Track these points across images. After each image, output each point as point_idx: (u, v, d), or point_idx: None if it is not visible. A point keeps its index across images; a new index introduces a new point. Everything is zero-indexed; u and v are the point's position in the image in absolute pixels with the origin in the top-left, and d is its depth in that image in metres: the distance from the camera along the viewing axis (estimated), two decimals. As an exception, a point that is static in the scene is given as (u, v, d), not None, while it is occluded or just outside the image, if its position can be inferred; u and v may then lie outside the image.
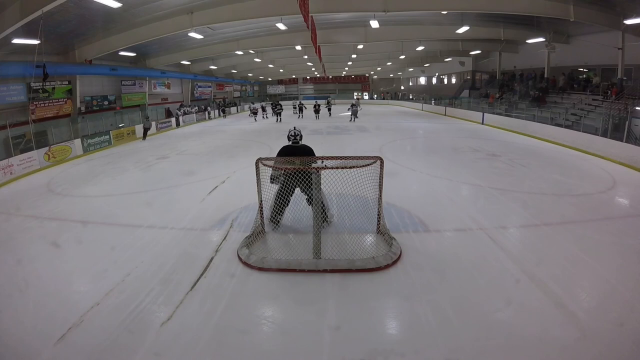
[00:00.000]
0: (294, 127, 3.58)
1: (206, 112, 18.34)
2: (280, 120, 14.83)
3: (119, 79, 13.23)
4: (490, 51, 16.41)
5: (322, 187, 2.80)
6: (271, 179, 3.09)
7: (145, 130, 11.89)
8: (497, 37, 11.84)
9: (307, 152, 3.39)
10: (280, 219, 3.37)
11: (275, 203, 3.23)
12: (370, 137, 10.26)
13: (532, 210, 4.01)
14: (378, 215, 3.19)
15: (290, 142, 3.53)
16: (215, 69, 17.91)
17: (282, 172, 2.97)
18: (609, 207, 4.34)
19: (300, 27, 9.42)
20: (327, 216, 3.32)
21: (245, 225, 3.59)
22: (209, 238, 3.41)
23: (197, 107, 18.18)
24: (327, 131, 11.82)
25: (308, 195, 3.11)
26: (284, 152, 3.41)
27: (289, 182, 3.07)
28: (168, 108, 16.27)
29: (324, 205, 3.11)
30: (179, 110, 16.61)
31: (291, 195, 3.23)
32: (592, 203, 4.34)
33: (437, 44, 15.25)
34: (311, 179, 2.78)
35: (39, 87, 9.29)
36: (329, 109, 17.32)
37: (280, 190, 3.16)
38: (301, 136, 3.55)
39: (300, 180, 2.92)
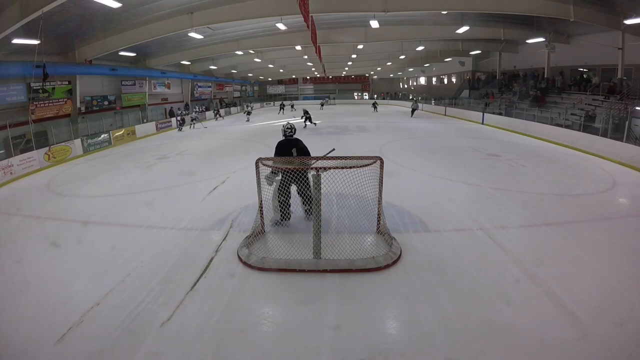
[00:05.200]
0: (288, 122, 3.86)
1: (206, 113, 18.34)
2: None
3: (119, 79, 13.22)
4: (490, 51, 16.41)
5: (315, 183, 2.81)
6: (266, 179, 3.19)
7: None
8: (497, 37, 11.84)
9: (302, 145, 3.62)
10: (288, 212, 3.45)
11: (279, 201, 3.33)
12: (371, 137, 10.25)
13: (532, 210, 3.99)
14: (378, 215, 3.20)
15: (286, 136, 3.70)
16: (215, 69, 17.92)
17: (278, 170, 3.08)
18: (609, 207, 4.31)
19: (300, 27, 9.44)
20: None
21: (245, 225, 3.58)
22: (209, 238, 3.41)
23: (197, 108, 18.29)
24: (328, 131, 11.83)
25: (303, 197, 3.21)
26: (281, 145, 3.60)
27: (285, 179, 3.19)
28: (171, 108, 16.27)
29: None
30: (181, 111, 16.54)
31: (290, 187, 3.33)
32: (592, 203, 4.32)
33: (437, 44, 15.26)
34: (307, 178, 2.87)
35: (39, 87, 9.28)
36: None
37: (280, 188, 3.27)
38: (295, 130, 3.76)
39: (295, 178, 3.06)
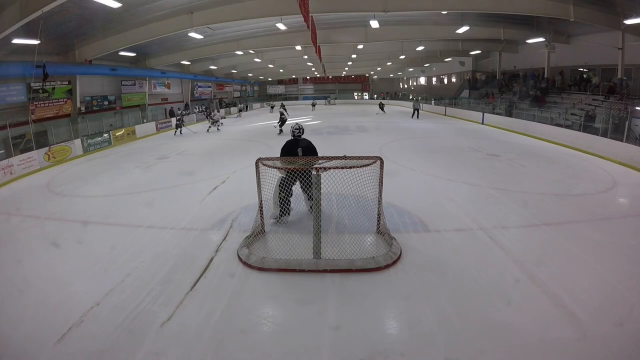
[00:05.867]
0: (296, 123, 3.97)
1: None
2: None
3: (119, 79, 13.21)
4: (490, 51, 16.42)
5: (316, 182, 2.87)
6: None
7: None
8: (497, 37, 11.85)
9: (308, 144, 3.70)
10: (289, 207, 3.51)
11: (280, 197, 3.39)
12: (371, 137, 10.26)
13: (532, 210, 4.00)
14: (378, 215, 3.21)
15: (294, 136, 3.80)
16: (215, 69, 17.90)
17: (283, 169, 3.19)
18: (609, 207, 4.31)
19: (300, 27, 9.45)
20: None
21: (245, 225, 3.61)
22: (209, 238, 3.43)
23: (197, 108, 18.31)
24: (328, 131, 11.83)
25: (307, 193, 3.29)
26: (289, 144, 3.72)
27: (288, 177, 3.29)
28: (171, 108, 16.21)
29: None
30: (180, 111, 16.39)
31: (293, 185, 3.40)
32: (592, 203, 4.32)
33: (437, 44, 15.28)
34: (311, 178, 2.91)
35: (39, 87, 9.28)
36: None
37: (282, 183, 3.32)
38: (303, 130, 3.86)
39: (299, 176, 3.13)
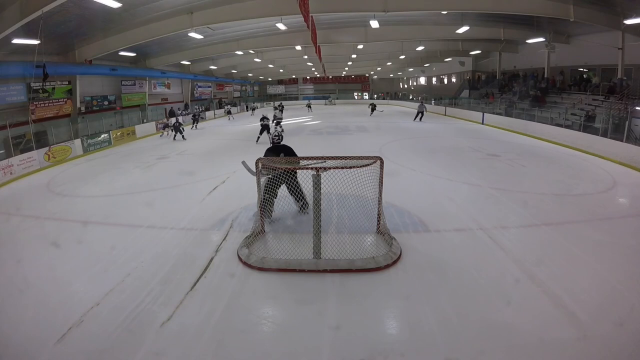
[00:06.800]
0: (275, 130, 4.23)
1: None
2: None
3: (119, 79, 13.22)
4: (490, 51, 16.43)
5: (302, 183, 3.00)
6: (249, 169, 3.42)
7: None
8: (497, 37, 11.85)
9: (288, 149, 3.86)
10: (271, 210, 3.60)
11: (264, 198, 3.45)
12: (371, 137, 10.26)
13: (532, 210, 4.00)
14: (378, 215, 3.22)
15: (273, 143, 4.01)
16: (215, 69, 17.93)
17: (269, 170, 3.29)
18: (609, 207, 4.31)
19: (300, 27, 9.47)
20: (307, 203, 3.61)
21: (245, 225, 3.62)
22: (209, 238, 3.47)
23: (197, 107, 18.23)
24: (328, 131, 11.83)
25: (293, 196, 3.45)
26: (269, 151, 3.90)
27: (275, 178, 3.38)
28: (171, 108, 16.17)
29: (303, 195, 3.46)
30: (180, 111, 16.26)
31: (278, 189, 3.50)
32: (592, 203, 4.32)
33: (437, 44, 15.29)
34: (294, 179, 3.10)
35: (39, 87, 9.28)
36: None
37: (267, 185, 3.41)
38: (282, 137, 4.15)
39: (285, 177, 3.26)
